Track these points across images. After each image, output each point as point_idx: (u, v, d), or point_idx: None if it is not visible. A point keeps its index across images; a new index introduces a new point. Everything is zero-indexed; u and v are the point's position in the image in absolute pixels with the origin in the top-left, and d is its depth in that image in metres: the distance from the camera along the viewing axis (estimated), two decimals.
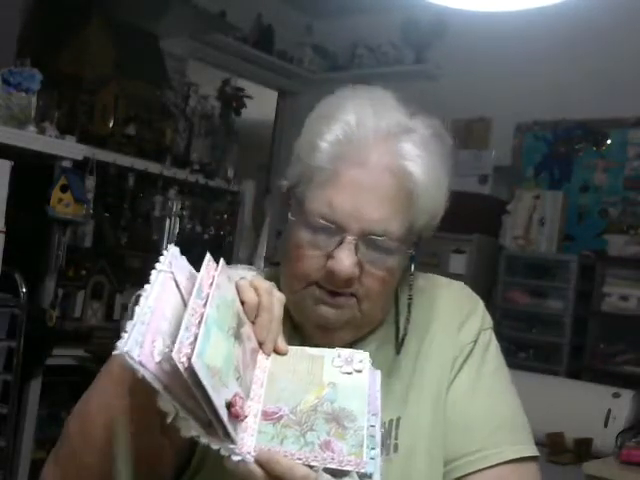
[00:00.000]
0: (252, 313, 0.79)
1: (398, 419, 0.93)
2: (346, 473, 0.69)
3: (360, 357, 0.80)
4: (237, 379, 0.71)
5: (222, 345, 0.70)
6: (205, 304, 0.70)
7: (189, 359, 0.64)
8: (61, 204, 2.78)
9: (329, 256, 0.89)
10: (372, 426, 0.74)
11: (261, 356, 0.79)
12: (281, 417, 0.72)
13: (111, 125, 3.22)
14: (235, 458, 0.68)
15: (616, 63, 3.61)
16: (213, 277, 0.75)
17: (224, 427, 0.67)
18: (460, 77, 4.07)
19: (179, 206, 3.53)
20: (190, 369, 0.64)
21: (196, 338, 0.66)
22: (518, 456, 0.92)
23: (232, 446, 0.68)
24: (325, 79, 4.57)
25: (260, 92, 4.46)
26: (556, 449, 2.63)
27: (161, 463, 0.87)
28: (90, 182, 3.01)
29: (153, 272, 0.72)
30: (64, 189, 2.78)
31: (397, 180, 0.89)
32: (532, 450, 0.95)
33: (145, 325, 0.67)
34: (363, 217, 0.88)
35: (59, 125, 2.86)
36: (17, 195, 2.56)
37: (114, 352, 0.64)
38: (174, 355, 0.64)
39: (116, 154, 3.20)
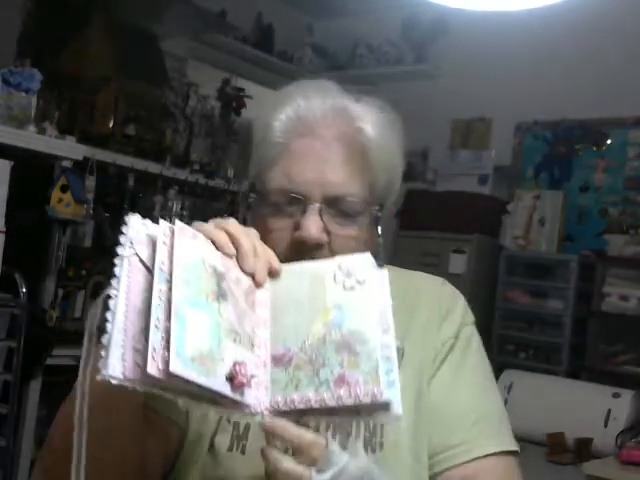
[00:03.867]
0: (229, 248, 0.75)
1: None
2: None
3: (360, 262, 0.75)
4: (234, 341, 0.69)
5: (203, 321, 0.66)
6: (170, 288, 0.66)
7: (167, 364, 0.61)
8: (61, 204, 2.78)
9: (295, 229, 0.89)
10: (386, 347, 0.70)
11: (259, 292, 0.75)
12: (291, 359, 0.70)
13: (111, 125, 3.22)
14: (257, 419, 0.67)
15: (616, 63, 3.60)
16: (172, 247, 0.69)
17: (232, 400, 0.66)
18: (460, 77, 4.07)
19: (179, 206, 3.52)
20: (172, 375, 0.61)
21: (169, 333, 0.62)
22: (498, 450, 0.93)
23: (246, 410, 0.67)
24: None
25: (260, 92, 4.45)
26: (556, 449, 2.63)
27: (148, 465, 0.88)
28: (90, 182, 3.01)
29: (116, 261, 0.67)
30: (64, 189, 2.78)
31: (349, 140, 0.92)
32: (512, 444, 0.95)
33: (122, 333, 0.64)
34: (323, 182, 0.89)
35: (59, 125, 2.85)
36: (17, 195, 2.56)
37: (98, 377, 0.62)
38: (149, 370, 0.61)
39: (116, 154, 3.20)
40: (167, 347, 0.62)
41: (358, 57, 4.58)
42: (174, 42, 3.83)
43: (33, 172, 2.77)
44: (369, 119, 0.94)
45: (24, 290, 2.58)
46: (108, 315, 0.64)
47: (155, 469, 0.91)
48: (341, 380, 0.67)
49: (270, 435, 0.69)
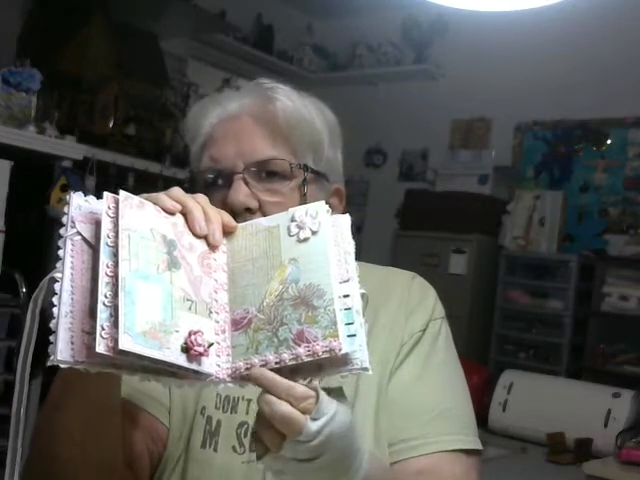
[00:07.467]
0: (175, 206, 0.73)
1: (352, 406, 0.92)
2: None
3: (314, 212, 0.72)
4: (189, 309, 0.67)
5: (154, 293, 0.65)
6: (117, 263, 0.64)
7: (117, 342, 0.60)
8: (61, 204, 2.78)
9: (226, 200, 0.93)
10: (345, 296, 0.68)
11: (215, 255, 0.73)
12: (250, 321, 0.68)
13: (111, 125, 3.22)
14: (220, 387, 0.67)
15: (616, 63, 3.61)
16: (117, 218, 0.67)
17: (192, 370, 0.65)
18: (460, 77, 4.07)
19: None
20: (123, 352, 0.60)
21: (117, 310, 0.61)
22: (456, 447, 0.93)
23: (207, 380, 0.66)
24: (325, 79, 4.56)
25: None
26: (556, 449, 2.63)
27: (138, 468, 0.89)
28: (90, 182, 3.01)
29: (59, 243, 0.67)
30: (64, 189, 2.78)
31: (263, 113, 0.96)
32: (473, 443, 0.95)
33: (69, 316, 0.62)
34: (243, 153, 0.95)
35: (59, 125, 2.85)
36: (17, 195, 2.56)
37: (47, 363, 0.61)
38: (98, 349, 0.60)
39: (116, 154, 3.20)
40: (116, 324, 0.60)
41: (358, 57, 4.58)
42: (174, 42, 3.83)
43: (33, 172, 2.77)
44: (280, 92, 0.98)
45: (24, 290, 2.58)
46: (54, 299, 0.63)
47: (143, 469, 0.91)
48: (300, 337, 0.65)
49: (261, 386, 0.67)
